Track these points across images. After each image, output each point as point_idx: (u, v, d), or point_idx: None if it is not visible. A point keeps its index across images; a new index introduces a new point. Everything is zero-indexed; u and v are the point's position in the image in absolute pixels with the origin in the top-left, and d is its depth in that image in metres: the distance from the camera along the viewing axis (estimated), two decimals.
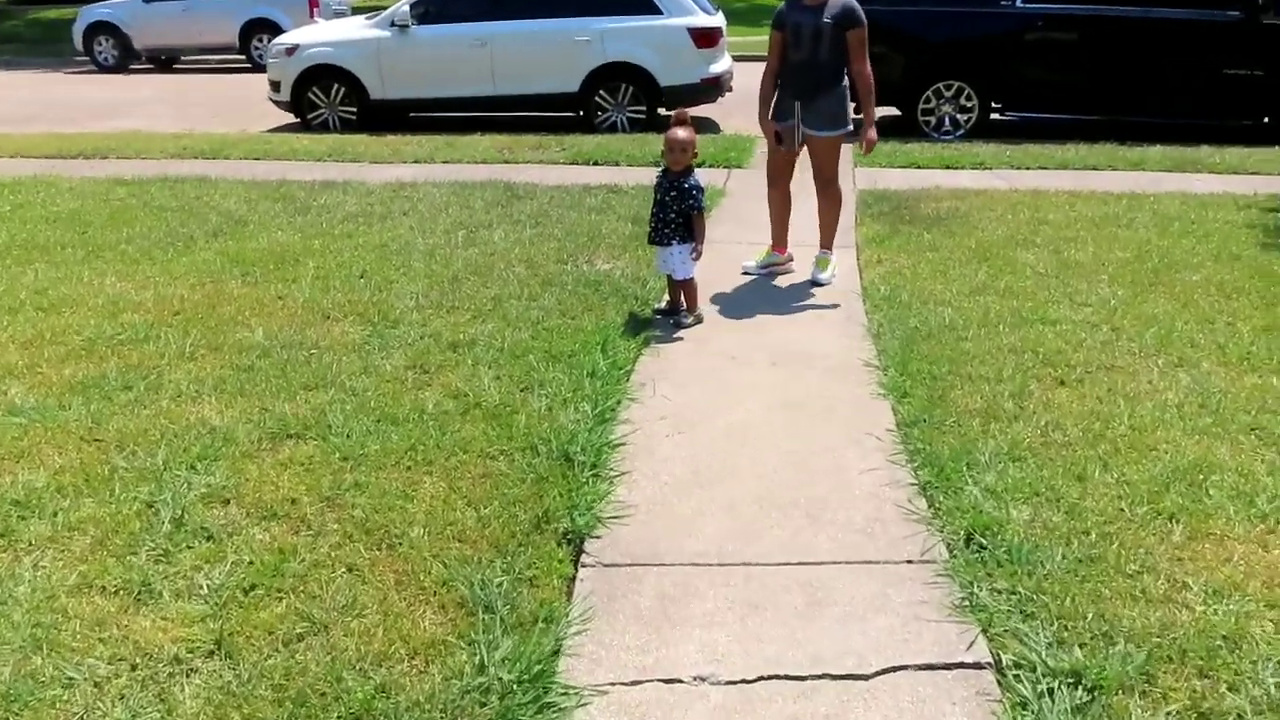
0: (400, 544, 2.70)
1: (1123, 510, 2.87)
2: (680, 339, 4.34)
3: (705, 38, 10.18)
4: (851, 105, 4.94)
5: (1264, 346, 4.11)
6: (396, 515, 2.83)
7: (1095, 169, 8.21)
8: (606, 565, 2.68)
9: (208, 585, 2.51)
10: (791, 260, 5.29)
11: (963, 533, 2.76)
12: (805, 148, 5.00)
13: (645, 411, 3.59)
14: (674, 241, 4.38)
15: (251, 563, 2.60)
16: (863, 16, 4.68)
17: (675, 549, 2.75)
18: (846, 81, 4.81)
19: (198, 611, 2.41)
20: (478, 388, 3.69)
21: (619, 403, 3.64)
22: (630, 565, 2.68)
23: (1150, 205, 6.66)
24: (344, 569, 2.59)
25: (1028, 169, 8.24)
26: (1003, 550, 2.66)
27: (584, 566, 2.67)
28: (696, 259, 4.42)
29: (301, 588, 2.51)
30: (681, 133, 4.25)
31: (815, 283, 5.06)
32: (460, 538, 2.74)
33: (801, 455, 3.25)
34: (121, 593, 2.48)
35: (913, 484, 3.05)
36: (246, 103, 12.59)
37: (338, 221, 6.27)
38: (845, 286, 5.06)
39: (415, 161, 8.72)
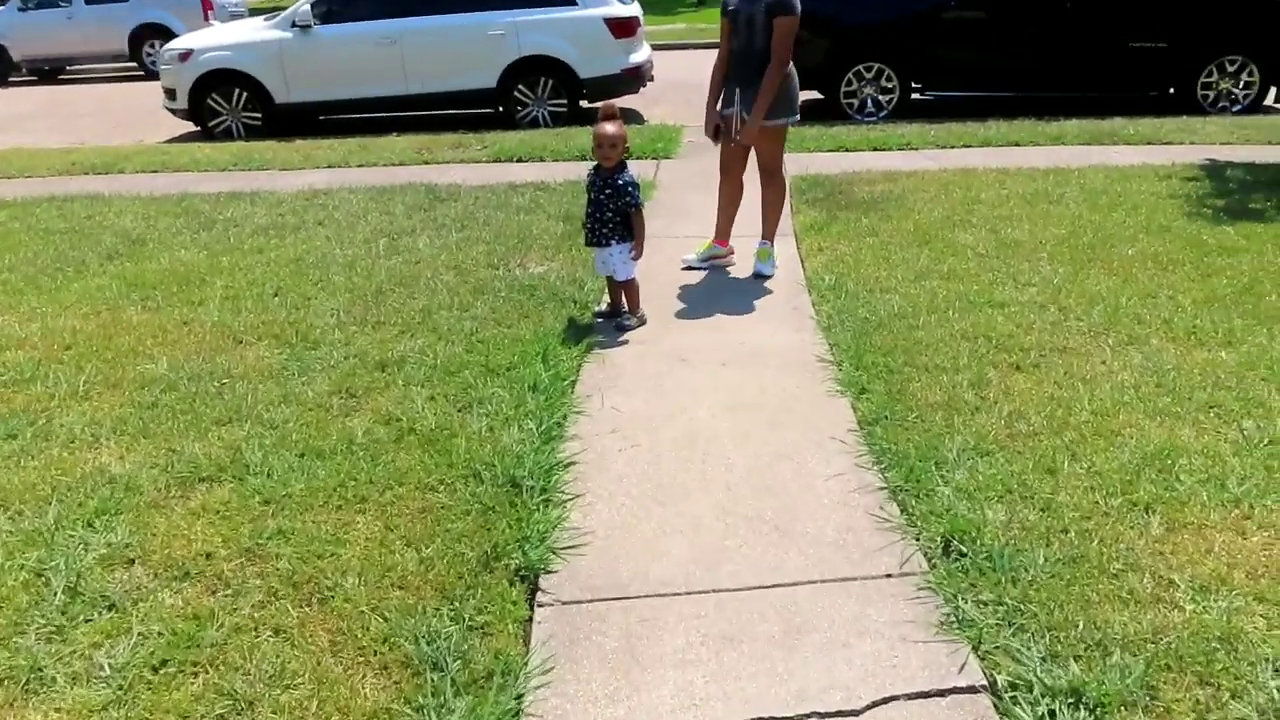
0: (333, 597, 2.43)
1: (1098, 504, 2.75)
2: (625, 342, 4.12)
3: (623, 27, 9.96)
4: (799, 94, 4.74)
5: (1208, 319, 4.08)
6: (327, 564, 2.55)
7: (1018, 144, 8.25)
8: (565, 603, 2.45)
9: (110, 665, 2.20)
10: (732, 253, 5.12)
11: (940, 539, 2.61)
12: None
13: (594, 425, 3.37)
14: (613, 241, 4.16)
15: (161, 634, 2.30)
16: (795, 6, 4.46)
17: (639, 577, 2.53)
18: (791, 68, 4.62)
19: (99, 698, 2.11)
20: (411, 411, 3.42)
21: (565, 417, 3.40)
22: (591, 601, 2.45)
23: (1076, 180, 6.67)
24: (269, 632, 2.31)
25: (953, 147, 8.23)
26: (983, 556, 2.51)
27: (540, 606, 2.44)
28: (637, 258, 4.20)
29: (221, 659, 2.22)
30: (610, 128, 4.02)
31: (759, 275, 4.89)
32: (401, 584, 2.48)
33: (763, 462, 3.06)
34: (7, 682, 2.16)
35: (882, 488, 2.89)
36: (141, 112, 11.94)
37: (247, 235, 5.88)
38: (788, 277, 4.90)
39: (328, 166, 8.32)
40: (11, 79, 17.29)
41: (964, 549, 2.55)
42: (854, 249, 5.20)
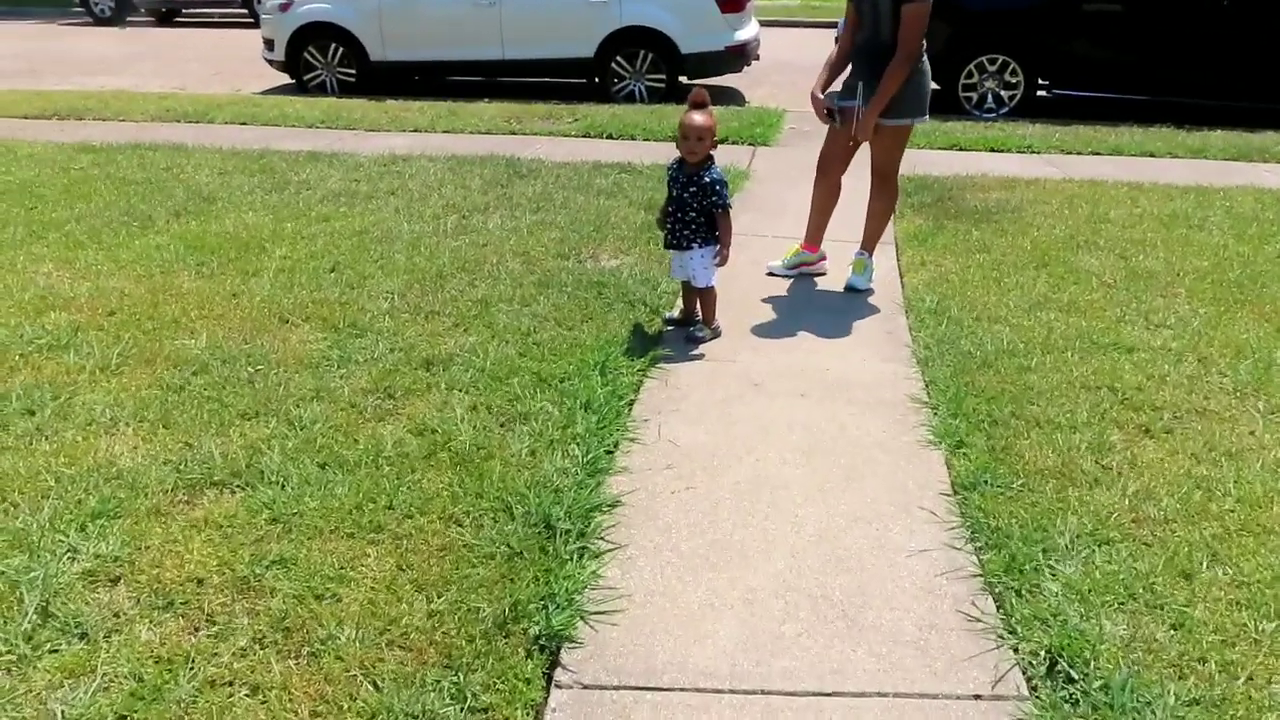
0: (324, 651, 2.12)
1: (1245, 627, 2.25)
2: (694, 357, 3.72)
3: (730, 1, 9.44)
4: (930, 92, 4.23)
5: None
6: (326, 608, 2.25)
7: (1153, 155, 7.50)
8: (587, 687, 2.09)
9: (63, 713, 1.93)
10: (824, 260, 4.64)
11: (1044, 655, 2.15)
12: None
13: (647, 457, 2.99)
14: (695, 244, 3.75)
15: (127, 678, 2.02)
16: None
17: (676, 663, 2.16)
18: (925, 64, 4.12)
19: None
20: (449, 422, 3.09)
21: (616, 444, 3.03)
22: (618, 688, 2.09)
23: (1221, 202, 5.96)
24: (246, 690, 2.01)
25: (1079, 154, 7.54)
26: (1098, 685, 2.05)
27: (558, 688, 2.09)
28: (721, 264, 3.79)
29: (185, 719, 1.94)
30: (699, 118, 3.59)
31: (851, 289, 4.42)
32: (403, 642, 2.16)
33: (837, 525, 2.64)
34: None
35: (976, 575, 2.44)
36: (245, 61, 11.95)
37: (316, 201, 5.65)
38: (884, 294, 4.42)
39: (414, 130, 8.09)
40: (130, 20, 17.68)
41: (1073, 672, 2.09)
42: (961, 266, 4.67)
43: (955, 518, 2.67)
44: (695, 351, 3.78)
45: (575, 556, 2.46)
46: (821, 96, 4.28)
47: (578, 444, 2.98)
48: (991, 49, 9.07)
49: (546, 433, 3.05)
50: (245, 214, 5.38)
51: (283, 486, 2.72)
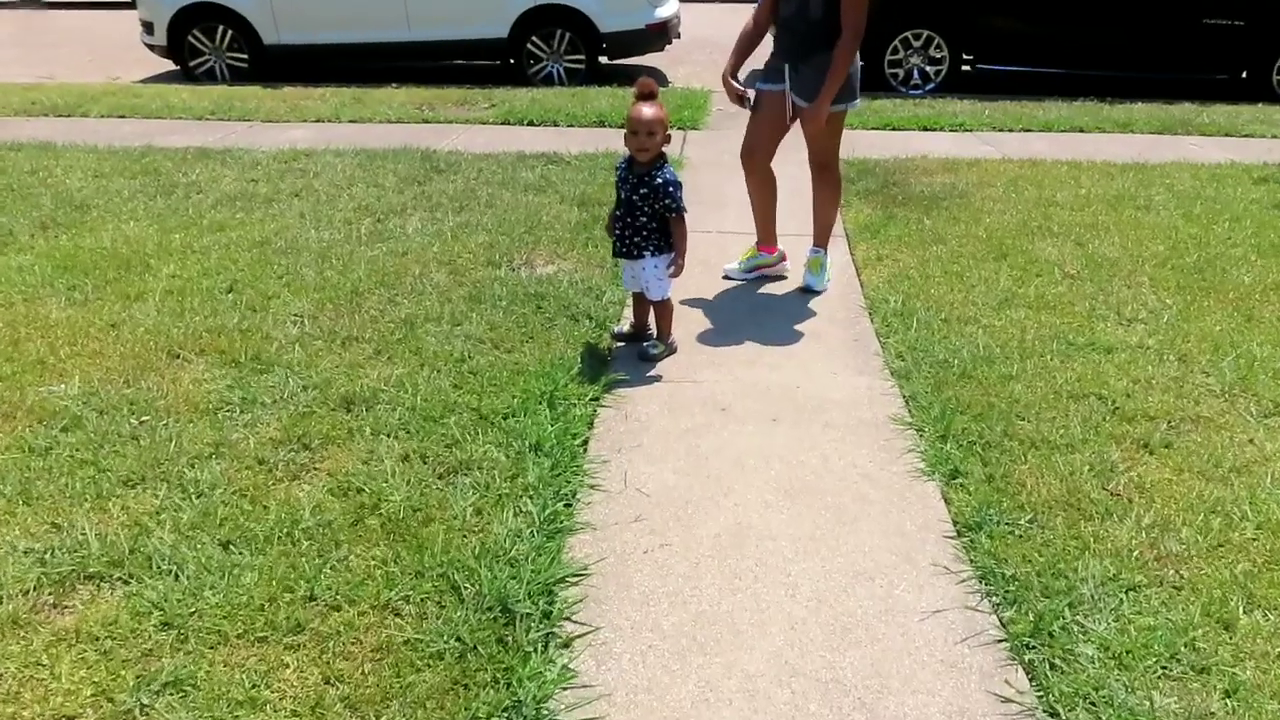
0: None
1: None
2: (651, 379, 3.35)
3: None
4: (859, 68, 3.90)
5: None
6: None
7: (1082, 131, 7.43)
8: None
9: None
10: (784, 261, 4.30)
11: None
12: (797, 123, 3.97)
13: (612, 508, 2.61)
14: (647, 252, 3.36)
15: None
16: None
17: None
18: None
19: None
20: (377, 476, 2.66)
21: (574, 494, 2.65)
22: None
23: (1160, 179, 5.85)
24: None
25: (1011, 130, 7.41)
26: None
27: None
28: (676, 275, 3.41)
29: None
30: (648, 110, 3.20)
31: (808, 289, 4.10)
32: None
33: (836, 583, 2.31)
34: None
35: (1000, 640, 2.14)
36: (123, 46, 10.99)
37: (209, 207, 5.06)
38: (845, 293, 4.12)
39: (316, 121, 7.49)
40: None
41: None
42: (919, 260, 4.40)
43: (964, 566, 2.37)
44: (651, 371, 3.41)
45: (540, 647, 2.08)
46: (735, 81, 3.92)
47: (530, 497, 2.59)
48: (916, 24, 8.87)
49: (493, 485, 2.64)
50: (125, 224, 4.77)
51: (176, 576, 2.25)
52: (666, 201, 3.28)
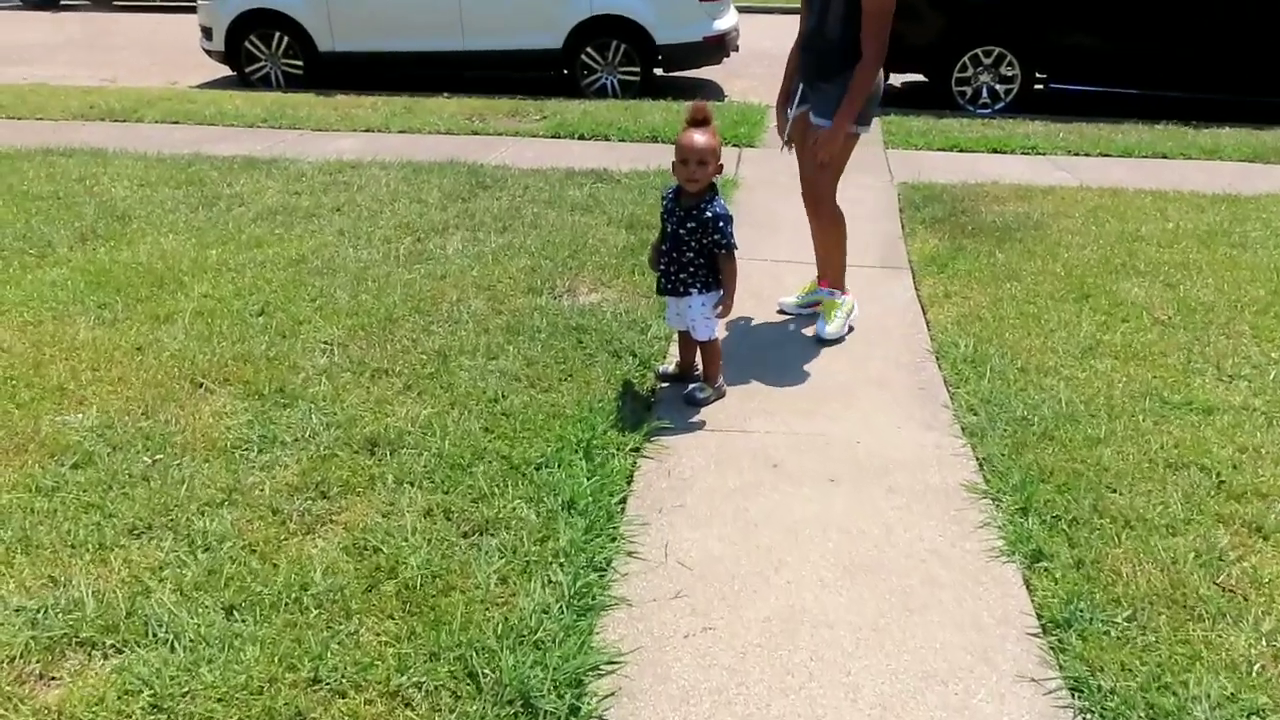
0: None
1: None
2: (695, 426, 3.09)
3: None
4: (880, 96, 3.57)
5: None
6: None
7: (1165, 157, 6.99)
8: None
9: None
10: (846, 294, 3.99)
11: None
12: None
13: (651, 580, 2.36)
14: (693, 290, 3.11)
15: None
16: None
17: None
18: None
19: None
20: (397, 533, 2.44)
21: (609, 561, 2.40)
22: None
23: (1255, 213, 5.43)
24: None
25: (1088, 155, 7.01)
26: None
27: None
28: (724, 315, 3.16)
29: None
30: (700, 138, 2.95)
31: (820, 339, 3.73)
32: None
33: (903, 688, 2.03)
34: None
35: None
36: (185, 50, 11.06)
37: (249, 221, 4.93)
38: (910, 333, 3.82)
39: (366, 130, 7.38)
40: (63, 2, 16.61)
41: None
42: (991, 299, 4.08)
43: (1052, 672, 2.07)
44: (696, 417, 3.15)
45: None
46: (787, 110, 3.69)
47: (561, 564, 2.35)
48: (988, 40, 8.50)
49: (521, 548, 2.41)
50: (164, 237, 4.65)
51: (173, 647, 2.05)
52: (716, 237, 3.02)
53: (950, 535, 2.53)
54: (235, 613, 2.17)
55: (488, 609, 2.20)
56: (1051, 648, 2.13)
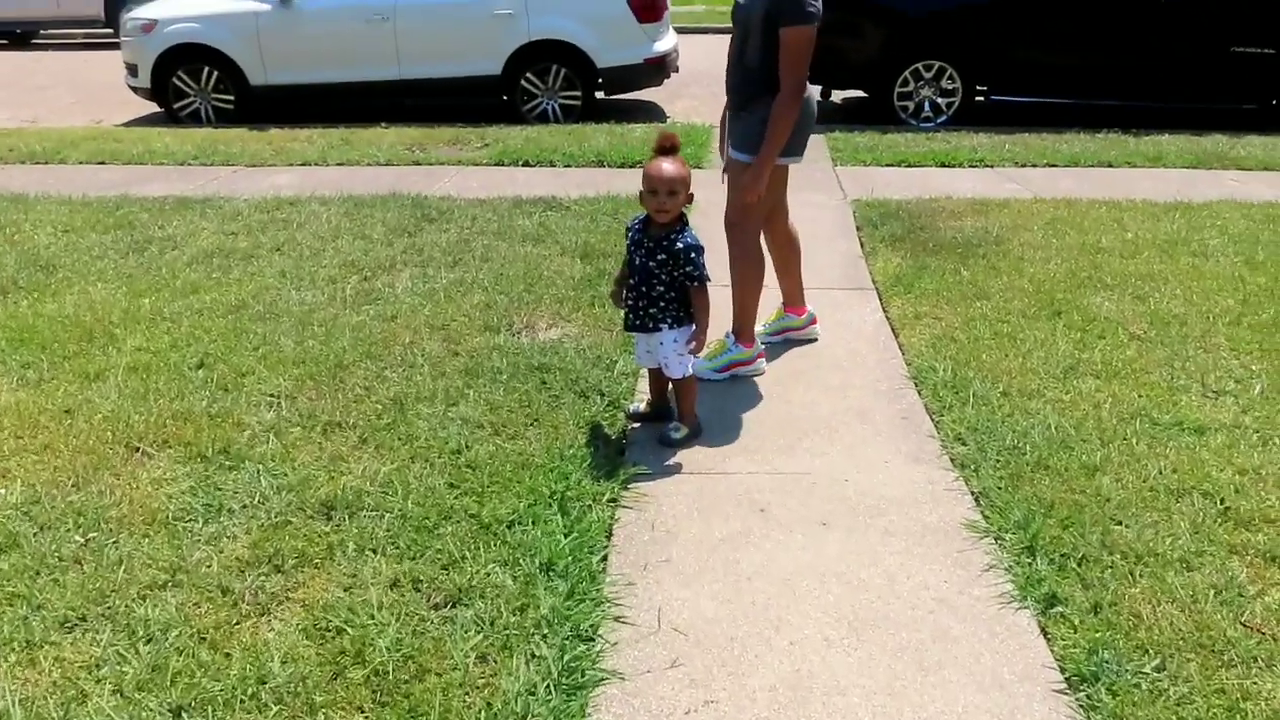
0: None
1: None
2: (674, 470, 2.92)
3: (648, 10, 8.70)
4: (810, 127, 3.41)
5: None
6: None
7: (1111, 165, 7.07)
8: None
9: None
10: (814, 324, 3.86)
11: None
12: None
13: (643, 649, 2.17)
14: (664, 325, 2.95)
15: None
16: (809, 12, 3.06)
17: None
18: (810, 94, 3.32)
19: None
20: (361, 610, 2.22)
21: (596, 630, 2.21)
22: None
23: (1210, 220, 5.46)
24: None
25: (1035, 166, 7.05)
26: None
27: None
28: (697, 351, 3.00)
29: None
30: (669, 167, 2.81)
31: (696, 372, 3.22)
32: None
33: None
34: None
35: None
36: (108, 88, 10.63)
37: (183, 265, 4.65)
38: (882, 356, 3.70)
39: (302, 164, 7.12)
40: None
41: None
42: (963, 319, 3.99)
43: None
44: (672, 459, 2.98)
45: None
46: (726, 142, 3.56)
47: (544, 636, 2.15)
48: (928, 55, 8.53)
49: (499, 619, 2.20)
50: (92, 286, 4.35)
51: None
52: (689, 269, 2.87)
53: (956, 581, 2.39)
54: (184, 715, 1.93)
55: (467, 693, 1.99)
56: (1081, 705, 1.99)
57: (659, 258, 2.89)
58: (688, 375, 3.04)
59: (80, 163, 7.20)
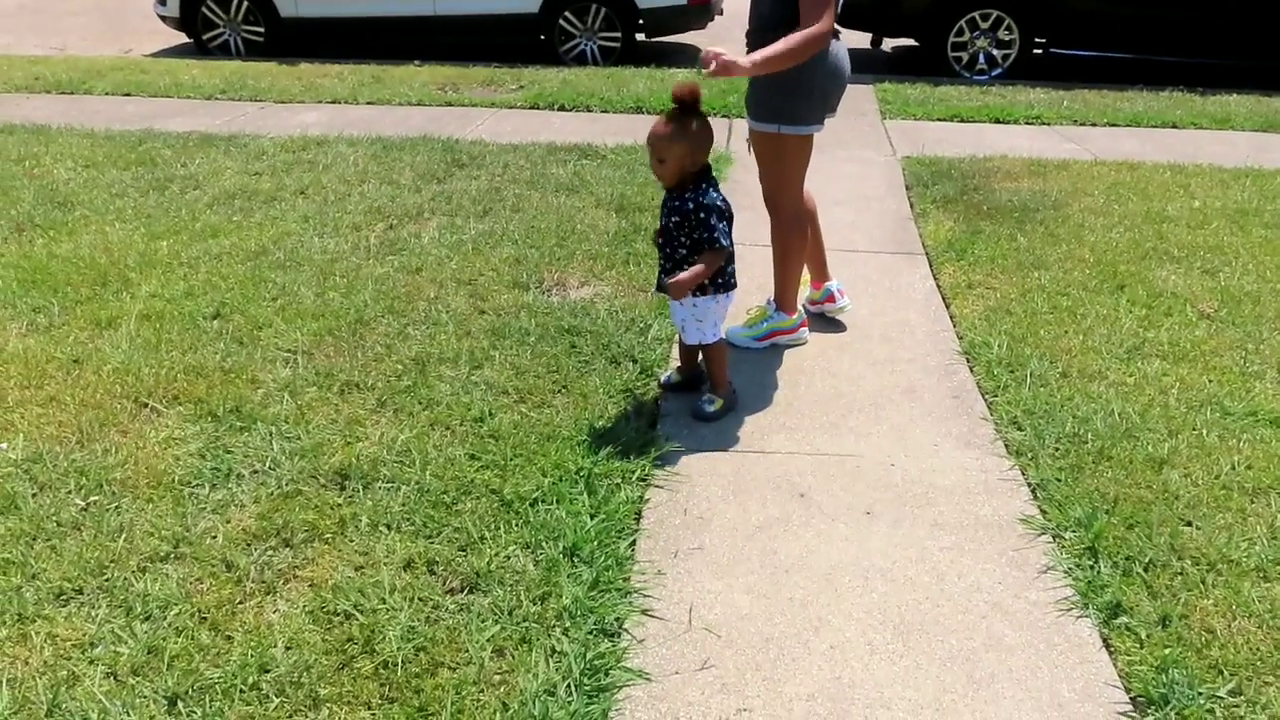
0: None
1: None
2: (709, 446, 2.75)
3: None
4: (836, 89, 3.10)
5: None
6: None
7: (1176, 127, 6.69)
8: None
9: None
10: (842, 295, 3.61)
11: None
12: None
13: (672, 647, 2.02)
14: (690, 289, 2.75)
15: None
16: None
17: None
18: (835, 57, 3.01)
19: None
20: (373, 593, 2.09)
21: (621, 624, 2.06)
22: None
23: None
24: None
25: (1094, 125, 6.70)
26: None
27: None
28: (676, 294, 2.69)
29: None
30: (659, 128, 2.57)
31: (730, 340, 3.20)
32: None
33: None
34: None
35: None
36: (140, 15, 10.44)
37: (204, 207, 4.50)
38: (933, 328, 3.49)
39: (332, 102, 6.92)
40: None
41: None
42: (1019, 290, 3.75)
43: None
44: (708, 434, 2.81)
45: None
46: None
47: (566, 630, 2.01)
48: (985, 3, 8.10)
49: (518, 609, 2.06)
50: (109, 226, 4.22)
51: None
52: (702, 232, 2.65)
53: (1011, 583, 2.21)
54: (180, 704, 1.81)
55: (481, 692, 1.86)
56: None
57: (674, 219, 2.68)
58: (709, 342, 2.84)
59: (106, 94, 7.05)
